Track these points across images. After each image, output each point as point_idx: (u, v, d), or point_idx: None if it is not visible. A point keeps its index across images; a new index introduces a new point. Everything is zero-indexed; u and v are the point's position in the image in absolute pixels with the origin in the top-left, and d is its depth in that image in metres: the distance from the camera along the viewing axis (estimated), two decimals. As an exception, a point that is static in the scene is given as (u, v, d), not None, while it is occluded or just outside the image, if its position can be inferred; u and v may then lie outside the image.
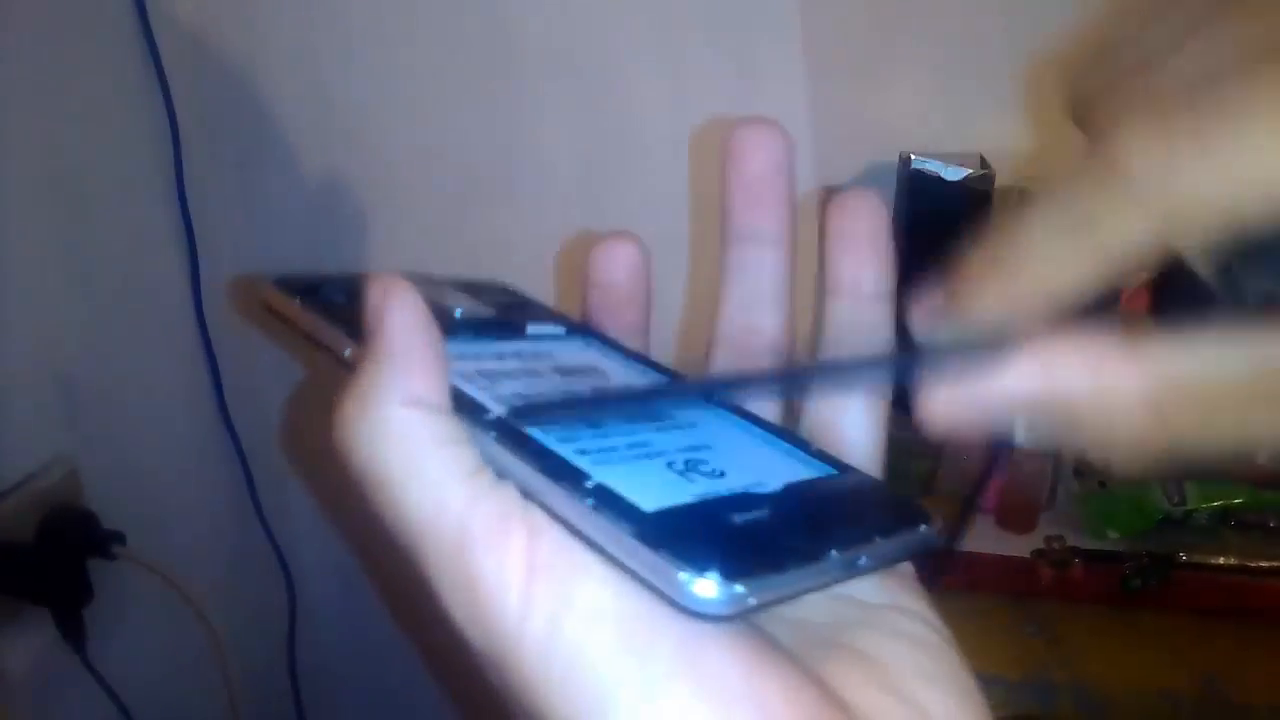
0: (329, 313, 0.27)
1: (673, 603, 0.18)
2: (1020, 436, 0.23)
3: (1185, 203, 0.18)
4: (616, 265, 0.30)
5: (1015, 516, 0.81)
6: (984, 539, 0.79)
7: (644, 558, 0.19)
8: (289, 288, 0.29)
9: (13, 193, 0.71)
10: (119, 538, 0.75)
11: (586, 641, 0.19)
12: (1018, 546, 0.78)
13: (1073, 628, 0.72)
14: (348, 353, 0.25)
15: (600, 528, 0.20)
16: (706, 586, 0.18)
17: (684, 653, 0.18)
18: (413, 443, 0.21)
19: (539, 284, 0.96)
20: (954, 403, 0.21)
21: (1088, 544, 0.76)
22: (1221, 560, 0.74)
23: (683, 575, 0.18)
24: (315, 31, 0.87)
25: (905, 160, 0.73)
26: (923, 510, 0.23)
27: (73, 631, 0.73)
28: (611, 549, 0.19)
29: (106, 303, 0.81)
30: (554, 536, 0.20)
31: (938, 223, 0.74)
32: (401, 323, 0.22)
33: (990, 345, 0.21)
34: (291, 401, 1.00)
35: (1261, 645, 0.70)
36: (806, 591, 0.20)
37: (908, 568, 0.24)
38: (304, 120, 0.90)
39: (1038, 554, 0.76)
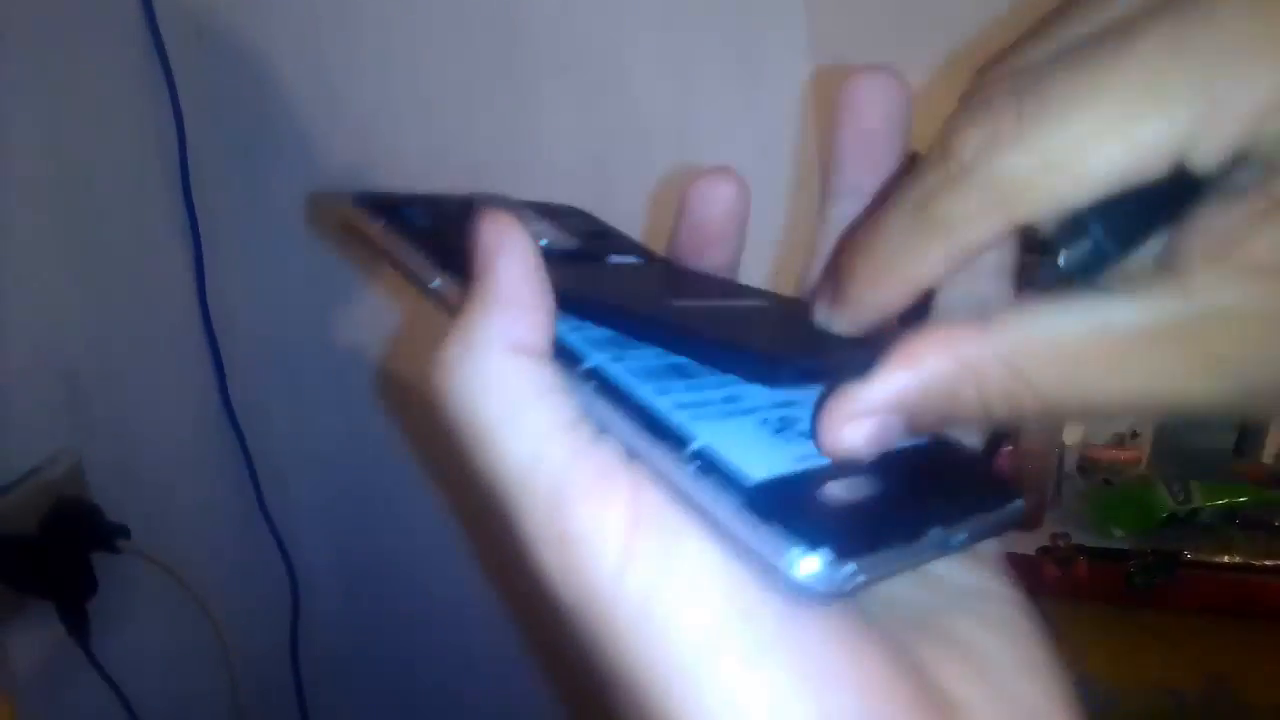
0: (416, 238, 0.26)
1: (778, 577, 0.18)
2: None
3: (1012, 185, 0.19)
4: (712, 200, 0.29)
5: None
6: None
7: (752, 530, 0.18)
8: (373, 207, 0.27)
9: (18, 188, 0.71)
10: (123, 531, 0.75)
11: (688, 603, 0.18)
12: (1022, 544, 0.78)
13: (1077, 626, 0.71)
14: (436, 283, 0.24)
15: (705, 494, 0.19)
16: (816, 564, 0.18)
17: (787, 626, 0.18)
18: (515, 391, 0.20)
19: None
20: (850, 418, 0.21)
21: (1093, 542, 0.76)
22: (1227, 559, 0.74)
23: (794, 551, 0.18)
24: (322, 26, 0.87)
25: (911, 156, 0.73)
26: (1012, 484, 0.22)
27: (77, 624, 0.73)
28: (717, 516, 0.19)
29: (111, 297, 0.81)
30: (657, 495, 0.20)
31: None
32: (515, 268, 0.21)
33: (862, 347, 0.21)
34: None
35: (1266, 643, 0.70)
36: (906, 569, 0.20)
37: (991, 546, 0.23)
38: (310, 116, 0.90)
39: (1043, 551, 0.76)
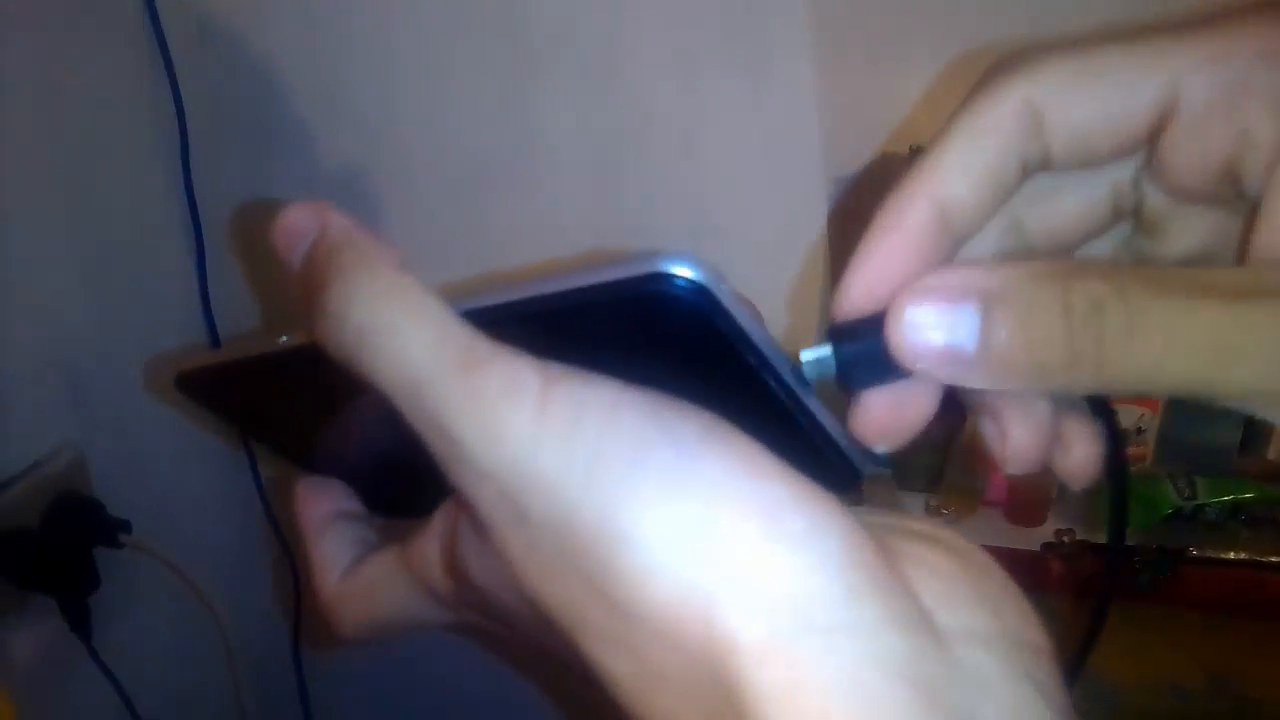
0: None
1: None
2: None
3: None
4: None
5: (1024, 510, 0.81)
6: (992, 532, 0.78)
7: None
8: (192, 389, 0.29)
9: (20, 183, 0.71)
10: (125, 526, 0.75)
11: (610, 425, 0.19)
12: (1027, 540, 0.77)
13: (1081, 622, 0.71)
14: (283, 339, 0.25)
15: None
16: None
17: (712, 429, 0.19)
18: (413, 291, 0.20)
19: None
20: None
21: (1098, 538, 0.76)
22: (1232, 555, 0.74)
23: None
24: (324, 22, 0.86)
25: (916, 152, 0.73)
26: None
27: (79, 619, 0.73)
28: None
29: (114, 292, 0.80)
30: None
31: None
32: (345, 223, 0.23)
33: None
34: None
35: (1271, 640, 0.70)
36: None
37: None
38: (313, 112, 0.90)
39: (1047, 547, 0.76)
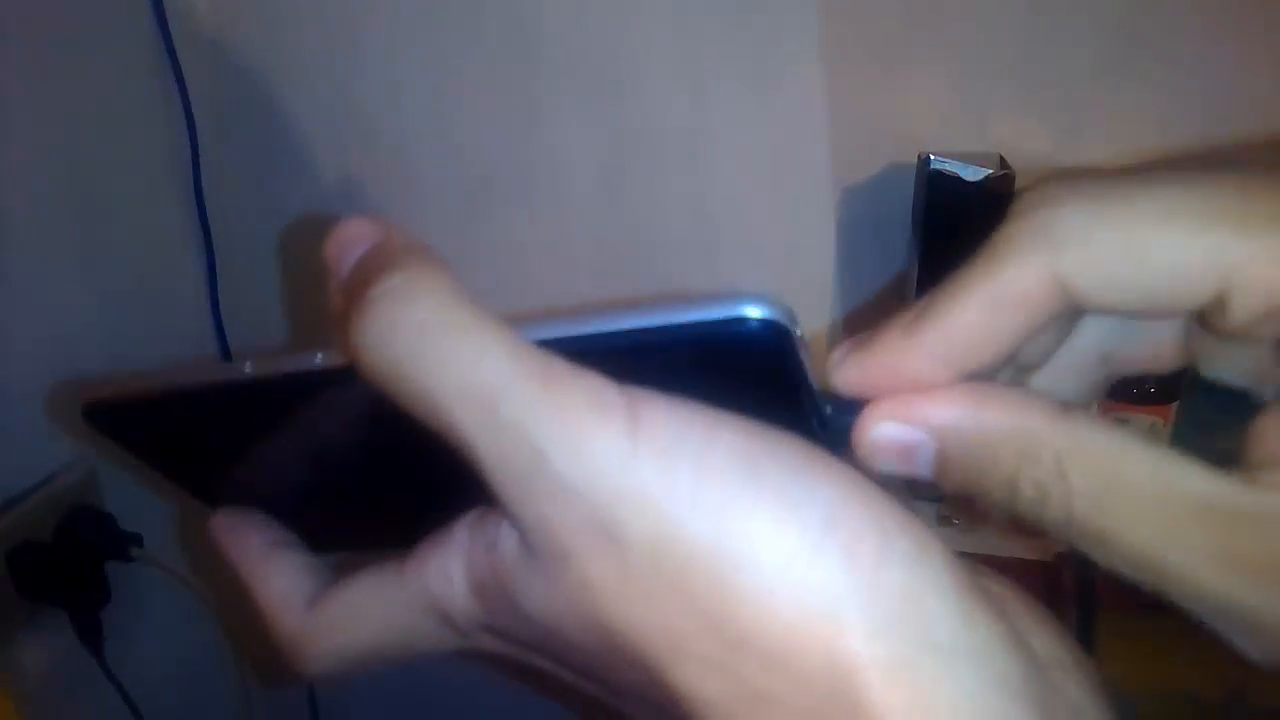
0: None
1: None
2: None
3: None
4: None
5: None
6: (1004, 542, 0.78)
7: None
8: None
9: (31, 197, 0.72)
10: (137, 540, 0.75)
11: (713, 444, 0.18)
12: (1041, 550, 0.77)
13: (1097, 633, 0.71)
14: (319, 359, 0.23)
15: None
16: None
17: (812, 453, 0.19)
18: (478, 303, 0.19)
19: (555, 285, 0.96)
20: (893, 418, 0.21)
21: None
22: (1248, 565, 0.73)
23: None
24: (333, 32, 0.87)
25: (924, 161, 0.73)
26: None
27: (90, 633, 0.74)
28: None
29: (125, 307, 0.81)
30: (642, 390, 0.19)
31: (956, 223, 0.73)
32: (409, 235, 0.21)
33: None
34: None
35: (1289, 651, 0.69)
36: None
37: None
38: (321, 121, 0.91)
39: (1061, 557, 0.75)
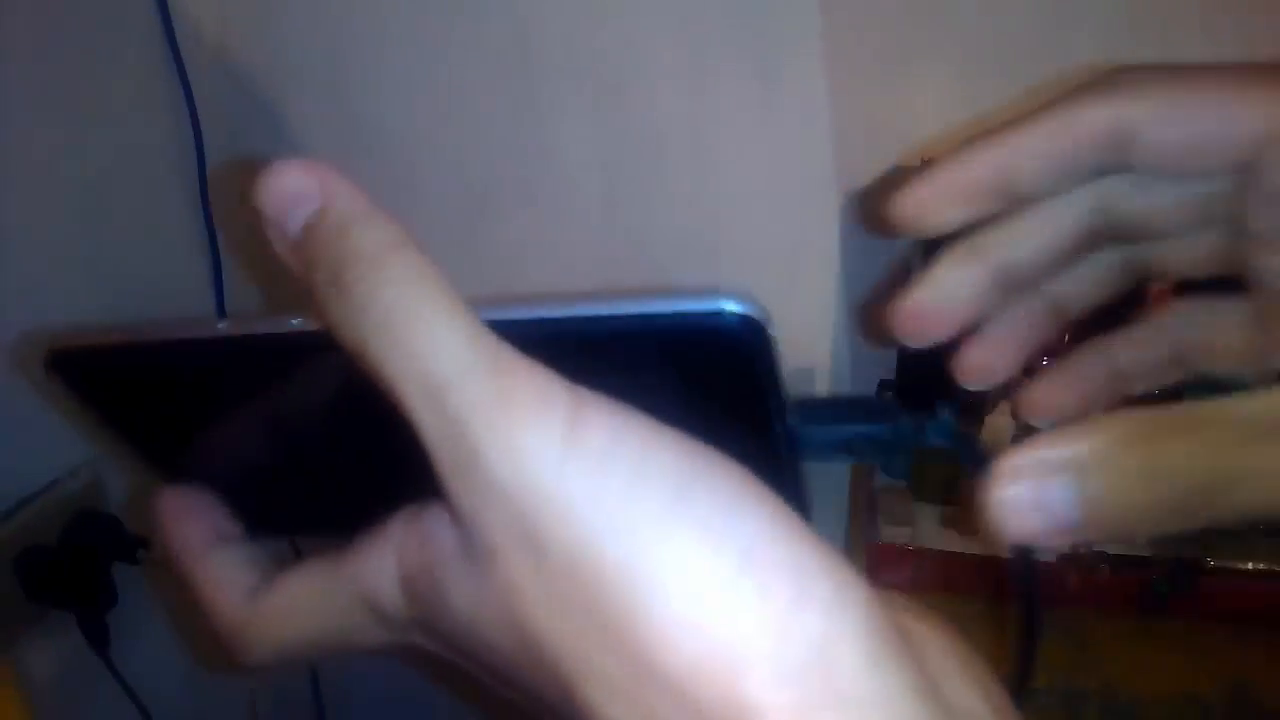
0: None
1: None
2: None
3: None
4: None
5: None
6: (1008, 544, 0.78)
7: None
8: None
9: (38, 202, 0.72)
10: (143, 542, 0.75)
11: (646, 461, 0.18)
12: (1043, 551, 0.77)
13: (1100, 634, 0.71)
14: (295, 323, 0.23)
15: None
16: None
17: (746, 483, 0.19)
18: (442, 283, 0.19)
19: (556, 286, 0.96)
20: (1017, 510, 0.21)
21: (1115, 549, 0.76)
22: (1251, 566, 0.73)
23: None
24: (338, 37, 0.87)
25: (928, 164, 0.73)
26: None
27: (97, 635, 0.74)
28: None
29: (131, 308, 0.81)
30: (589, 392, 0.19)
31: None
32: (354, 192, 0.21)
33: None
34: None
35: (1293, 652, 0.69)
36: None
37: None
38: (326, 125, 0.91)
39: (1064, 559, 0.75)
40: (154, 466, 0.29)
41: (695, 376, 0.21)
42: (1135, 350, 0.28)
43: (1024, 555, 0.24)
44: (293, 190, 0.21)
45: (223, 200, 0.88)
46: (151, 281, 0.84)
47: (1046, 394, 0.28)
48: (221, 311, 0.91)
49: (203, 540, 0.27)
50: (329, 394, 0.24)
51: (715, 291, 0.19)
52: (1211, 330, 0.27)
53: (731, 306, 0.19)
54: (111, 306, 0.79)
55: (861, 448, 0.25)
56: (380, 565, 0.23)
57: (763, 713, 0.17)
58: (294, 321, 0.23)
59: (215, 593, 0.26)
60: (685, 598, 0.17)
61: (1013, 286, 0.27)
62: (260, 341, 0.23)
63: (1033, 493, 0.20)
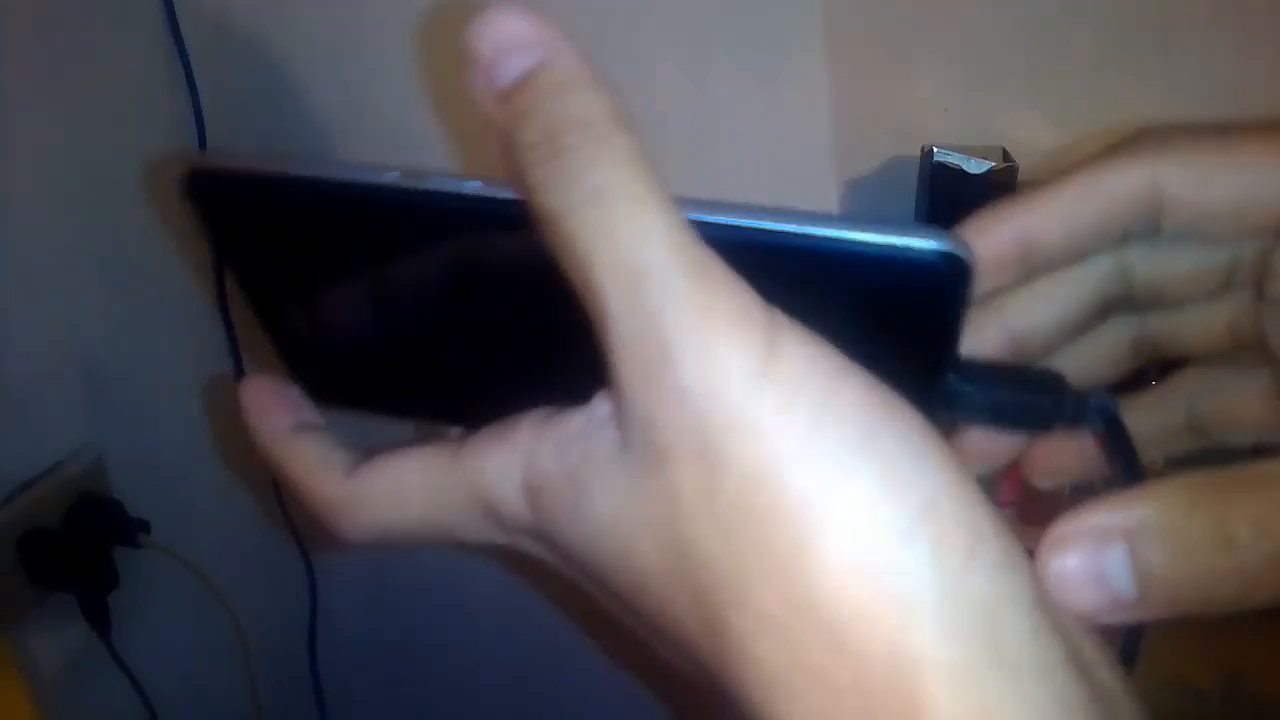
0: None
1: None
2: None
3: None
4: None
5: (1038, 510, 0.80)
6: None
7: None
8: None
9: (39, 189, 0.72)
10: (144, 526, 0.76)
11: (837, 395, 0.18)
12: (1040, 541, 0.77)
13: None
14: (475, 186, 0.21)
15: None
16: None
17: (929, 433, 0.18)
18: (654, 173, 0.18)
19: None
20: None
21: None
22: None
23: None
24: (343, 31, 0.87)
25: (927, 153, 0.73)
26: None
27: (98, 618, 0.74)
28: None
29: (133, 294, 0.81)
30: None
31: (960, 216, 0.74)
32: (578, 57, 0.20)
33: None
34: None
35: (1286, 641, 0.69)
36: None
37: None
38: (330, 119, 0.91)
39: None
40: (269, 319, 0.26)
41: (886, 310, 0.20)
42: (1148, 416, 0.27)
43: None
44: (512, 37, 0.20)
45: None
46: (153, 264, 0.84)
47: (1052, 455, 0.27)
48: (223, 311, 0.91)
49: (288, 426, 0.27)
50: (484, 272, 0.22)
51: (918, 226, 0.19)
52: (1230, 397, 0.26)
53: (941, 244, 0.19)
54: (112, 293, 0.79)
55: (1014, 415, 0.23)
56: (504, 467, 0.22)
57: (929, 667, 0.16)
58: (472, 184, 0.21)
59: (309, 475, 0.25)
60: (860, 540, 0.17)
61: (1027, 353, 0.26)
62: (427, 200, 0.21)
63: (1090, 564, 0.19)
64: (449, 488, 0.23)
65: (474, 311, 0.24)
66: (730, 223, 0.19)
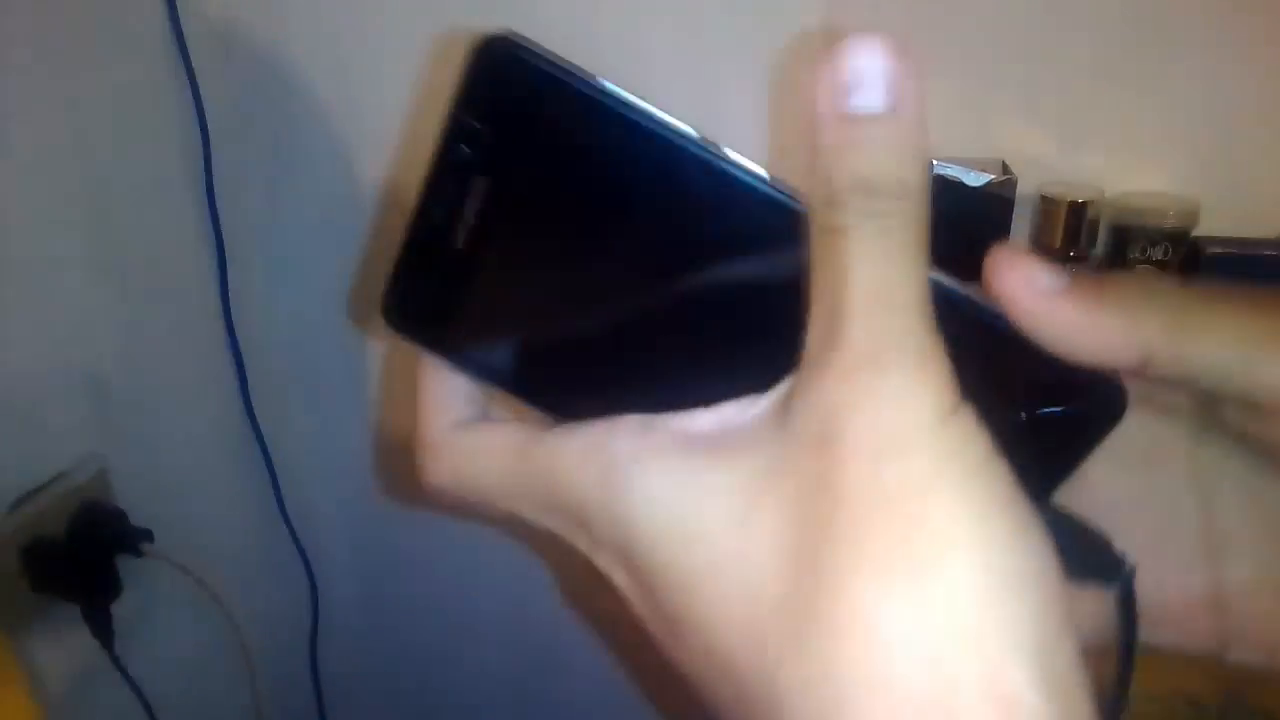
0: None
1: None
2: None
3: None
4: None
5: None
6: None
7: None
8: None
9: (43, 198, 0.73)
10: (147, 535, 0.76)
11: (989, 464, 0.20)
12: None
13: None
14: (762, 174, 0.23)
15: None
16: None
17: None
18: (916, 252, 0.22)
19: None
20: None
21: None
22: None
23: None
24: (345, 33, 0.87)
25: (930, 166, 0.73)
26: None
27: (101, 627, 0.74)
28: None
29: (136, 303, 0.82)
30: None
31: (959, 228, 0.74)
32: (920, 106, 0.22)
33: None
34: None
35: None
36: None
37: None
38: (334, 121, 0.91)
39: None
40: (472, 220, 0.25)
41: (1046, 423, 0.22)
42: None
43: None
44: (881, 71, 0.22)
45: (228, 198, 0.89)
46: (157, 273, 0.84)
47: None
48: (225, 311, 0.91)
49: (443, 374, 0.27)
50: (727, 257, 0.24)
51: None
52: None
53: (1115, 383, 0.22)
54: (115, 300, 0.79)
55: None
56: (581, 467, 0.23)
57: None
58: (761, 172, 0.24)
59: (424, 407, 0.26)
60: (974, 617, 0.18)
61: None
62: (719, 168, 0.23)
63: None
64: (523, 475, 0.24)
65: (689, 296, 0.24)
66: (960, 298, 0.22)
